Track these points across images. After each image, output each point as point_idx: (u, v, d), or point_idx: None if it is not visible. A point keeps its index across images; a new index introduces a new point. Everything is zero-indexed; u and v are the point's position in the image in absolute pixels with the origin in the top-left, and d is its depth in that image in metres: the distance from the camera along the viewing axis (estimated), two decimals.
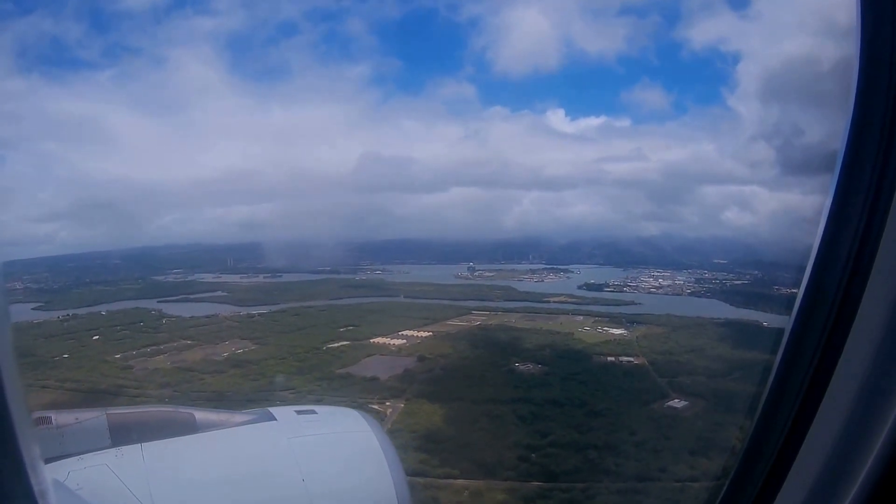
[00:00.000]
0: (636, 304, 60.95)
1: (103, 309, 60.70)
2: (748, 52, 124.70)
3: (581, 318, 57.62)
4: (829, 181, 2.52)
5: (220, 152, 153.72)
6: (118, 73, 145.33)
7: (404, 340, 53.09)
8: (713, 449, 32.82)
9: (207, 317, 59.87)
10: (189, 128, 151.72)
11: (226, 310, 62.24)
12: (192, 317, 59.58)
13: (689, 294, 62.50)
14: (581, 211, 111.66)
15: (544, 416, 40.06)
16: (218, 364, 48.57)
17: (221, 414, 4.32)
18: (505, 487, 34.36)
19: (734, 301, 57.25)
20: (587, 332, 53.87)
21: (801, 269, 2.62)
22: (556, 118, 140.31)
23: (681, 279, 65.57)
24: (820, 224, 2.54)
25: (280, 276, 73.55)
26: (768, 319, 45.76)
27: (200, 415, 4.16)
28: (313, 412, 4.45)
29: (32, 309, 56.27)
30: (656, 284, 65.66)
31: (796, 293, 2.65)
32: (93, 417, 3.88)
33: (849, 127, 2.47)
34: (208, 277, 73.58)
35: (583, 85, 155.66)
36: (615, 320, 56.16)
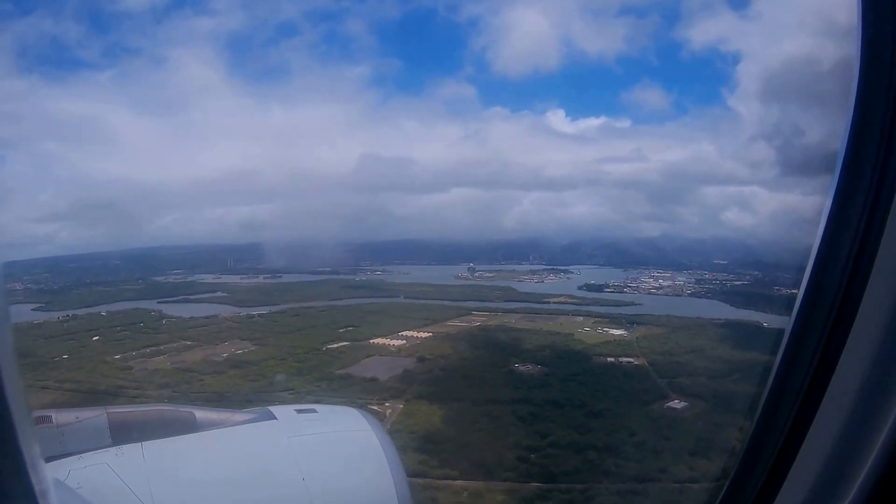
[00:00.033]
0: (636, 304, 60.92)
1: (103, 309, 60.67)
2: (748, 52, 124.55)
3: (581, 318, 57.58)
4: (830, 181, 2.53)
5: (220, 153, 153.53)
6: (118, 74, 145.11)
7: (404, 341, 53.05)
8: (713, 450, 32.80)
9: (207, 317, 59.78)
10: (189, 128, 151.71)
11: (226, 310, 62.18)
12: (191, 317, 59.51)
13: (690, 295, 62.44)
14: (581, 211, 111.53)
15: (544, 416, 40.04)
16: (217, 365, 48.56)
17: (222, 413, 4.33)
18: (504, 488, 34.32)
19: (734, 302, 57.23)
20: (587, 332, 53.83)
21: (802, 270, 2.63)
22: (557, 118, 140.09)
23: (681, 280, 65.54)
24: (820, 224, 2.55)
25: (280, 277, 73.50)
26: (768, 320, 45.77)
27: (201, 414, 4.17)
28: (314, 411, 4.46)
29: (32, 309, 56.25)
30: (656, 285, 65.62)
31: (796, 294, 2.65)
32: (93, 416, 3.89)
33: (849, 127, 2.47)
34: (208, 278, 73.53)
35: (583, 85, 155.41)
36: (615, 321, 56.11)
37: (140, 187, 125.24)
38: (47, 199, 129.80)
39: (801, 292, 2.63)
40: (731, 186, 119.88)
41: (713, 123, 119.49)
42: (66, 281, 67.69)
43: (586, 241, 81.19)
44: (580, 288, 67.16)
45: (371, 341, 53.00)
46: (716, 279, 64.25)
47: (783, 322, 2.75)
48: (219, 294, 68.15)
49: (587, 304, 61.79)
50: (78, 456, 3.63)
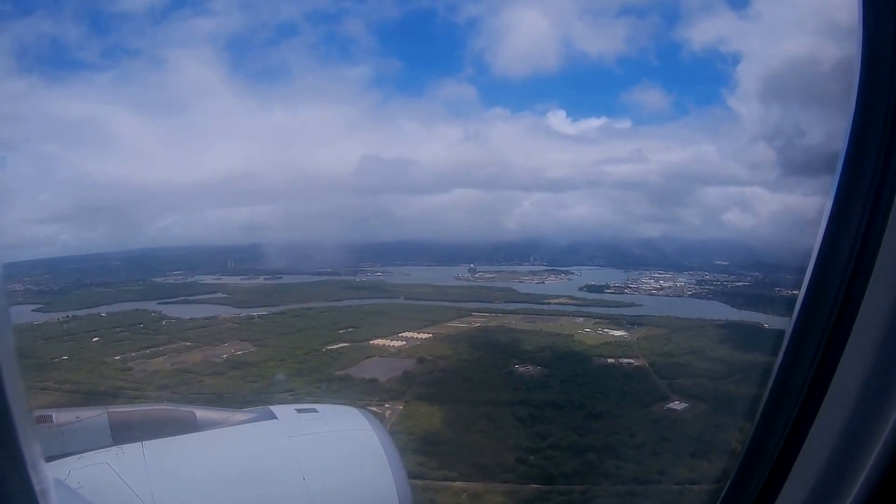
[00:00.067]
0: (637, 305, 60.98)
1: (103, 311, 60.80)
2: (748, 52, 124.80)
3: (581, 319, 57.65)
4: (830, 182, 2.51)
5: (220, 154, 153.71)
6: (118, 75, 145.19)
7: (404, 342, 53.10)
8: (713, 451, 32.80)
9: (207, 318, 59.82)
10: (189, 129, 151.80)
11: (226, 311, 62.27)
12: (191, 319, 59.54)
13: (690, 296, 62.52)
14: (582, 212, 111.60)
15: (543, 418, 40.07)
16: (217, 366, 48.67)
17: (222, 412, 4.31)
18: (503, 490, 34.38)
19: (735, 303, 57.31)
20: (587, 333, 53.88)
21: (803, 271, 2.61)
22: (557, 119, 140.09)
23: (682, 281, 65.58)
24: (821, 225, 2.54)
25: (280, 278, 73.60)
26: (769, 321, 45.79)
27: (201, 413, 4.16)
28: (314, 410, 4.44)
29: (33, 311, 56.34)
30: (657, 286, 65.66)
31: (797, 294, 2.64)
32: (94, 416, 3.89)
33: (850, 127, 2.46)
34: (208, 279, 73.68)
35: (583, 86, 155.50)
36: (616, 322, 56.15)
37: (140, 189, 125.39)
38: (48, 200, 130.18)
39: (801, 293, 2.63)
40: (731, 187, 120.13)
41: (714, 124, 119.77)
42: (67, 282, 67.86)
43: (587, 242, 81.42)
44: (581, 289, 67.26)
45: (371, 342, 53.06)
46: (716, 280, 64.36)
47: (784, 323, 2.74)
48: (219, 295, 68.25)
49: (588, 306, 61.92)
50: (78, 455, 3.61)
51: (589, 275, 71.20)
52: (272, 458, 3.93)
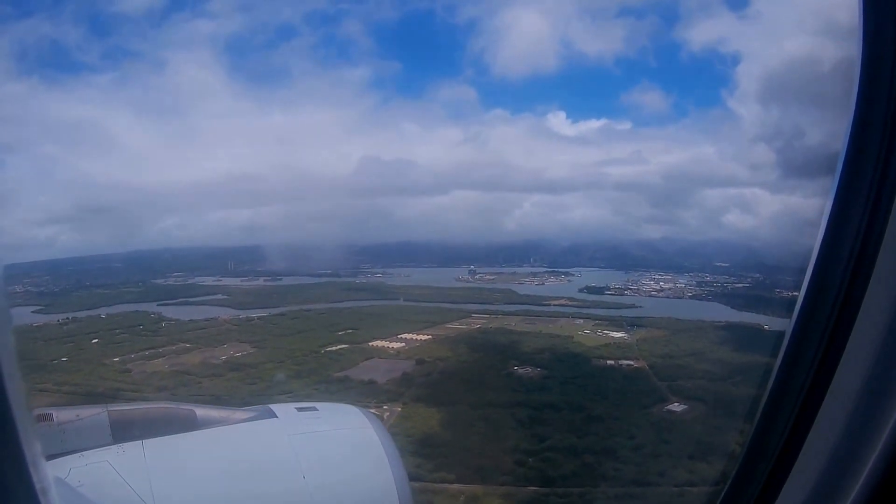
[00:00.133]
0: (637, 307, 60.88)
1: (103, 312, 60.70)
2: (748, 53, 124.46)
3: (581, 321, 57.54)
4: (831, 183, 2.52)
5: (220, 155, 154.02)
6: (119, 77, 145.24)
7: (403, 344, 53.05)
8: (712, 453, 32.73)
9: (207, 320, 59.76)
10: (190, 131, 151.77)
11: (225, 313, 62.20)
12: (191, 320, 59.43)
13: (691, 297, 62.44)
14: (582, 214, 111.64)
15: (542, 419, 40.04)
16: (216, 367, 48.65)
17: (222, 411, 4.31)
18: (501, 492, 34.33)
19: (735, 304, 57.21)
20: (587, 335, 53.83)
21: (803, 272, 2.62)
22: (557, 121, 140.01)
23: (682, 282, 65.52)
24: (821, 226, 2.54)
25: (280, 280, 73.51)
26: (770, 322, 45.79)
27: (201, 411, 4.16)
28: (314, 409, 4.48)
29: (32, 312, 56.25)
30: (657, 287, 65.61)
31: (797, 295, 2.65)
32: (94, 414, 3.88)
33: (850, 128, 2.47)
34: (208, 281, 73.61)
35: (583, 87, 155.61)
36: (615, 323, 56.10)
37: (140, 190, 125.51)
38: (48, 201, 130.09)
39: (801, 294, 2.64)
40: (731, 188, 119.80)
41: (713, 125, 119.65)
42: (67, 283, 67.79)
43: (587, 243, 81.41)
44: (581, 290, 67.21)
45: (370, 344, 53.04)
46: (717, 281, 64.29)
47: (784, 324, 2.74)
48: (219, 297, 68.18)
49: (587, 307, 61.78)
50: (79, 454, 3.61)
51: (589, 276, 71.12)
52: (272, 457, 3.94)
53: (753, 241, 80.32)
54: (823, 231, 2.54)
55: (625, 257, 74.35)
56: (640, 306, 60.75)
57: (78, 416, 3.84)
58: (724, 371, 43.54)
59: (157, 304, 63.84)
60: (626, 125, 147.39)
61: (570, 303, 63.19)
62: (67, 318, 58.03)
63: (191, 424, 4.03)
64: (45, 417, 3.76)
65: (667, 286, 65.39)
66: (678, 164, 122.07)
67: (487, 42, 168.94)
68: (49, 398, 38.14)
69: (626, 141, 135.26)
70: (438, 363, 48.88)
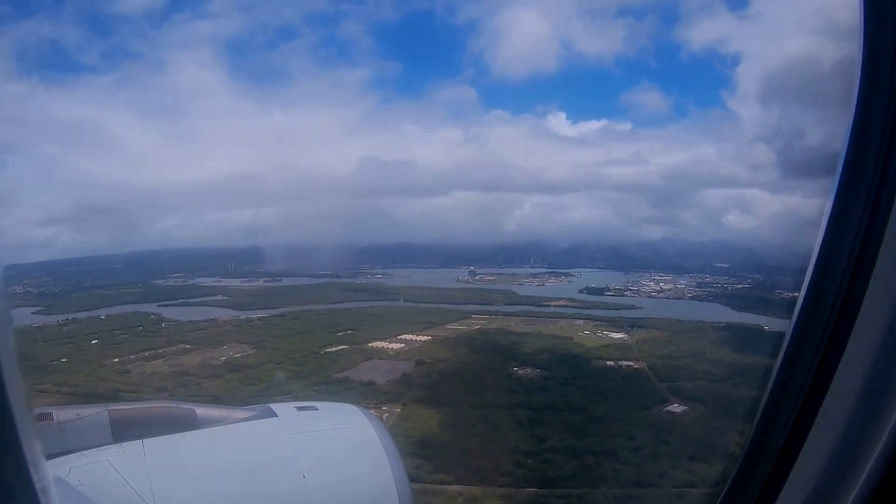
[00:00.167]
0: (637, 307, 60.90)
1: (103, 313, 60.70)
2: (748, 53, 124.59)
3: (581, 321, 57.50)
4: (831, 183, 2.52)
5: (220, 156, 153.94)
6: (119, 77, 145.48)
7: (403, 344, 53.03)
8: (712, 454, 32.73)
9: (206, 321, 59.74)
10: (190, 132, 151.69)
11: (225, 314, 62.17)
12: (190, 321, 59.41)
13: (691, 298, 62.41)
14: (582, 214, 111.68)
15: (542, 420, 39.99)
16: (216, 368, 48.61)
17: (222, 410, 4.33)
18: (500, 494, 34.29)
19: (735, 305, 57.16)
20: (587, 336, 53.82)
21: (803, 272, 2.62)
22: (557, 121, 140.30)
23: (682, 283, 65.49)
24: (821, 227, 2.54)
25: (280, 280, 73.49)
26: (770, 323, 45.76)
27: (201, 411, 4.18)
28: (314, 408, 4.48)
29: (32, 313, 56.21)
30: (658, 288, 65.59)
31: (798, 296, 2.65)
32: (94, 413, 3.90)
33: (850, 128, 2.46)
34: (208, 281, 73.62)
35: (583, 88, 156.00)
36: (615, 324, 56.09)
37: (140, 191, 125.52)
38: (48, 202, 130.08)
39: (801, 295, 2.63)
40: (732, 189, 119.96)
41: (714, 126, 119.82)
42: (67, 284, 67.73)
43: (587, 244, 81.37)
44: (581, 291, 67.21)
45: (370, 345, 53.01)
46: (717, 282, 64.28)
47: (785, 325, 2.74)
48: (219, 297, 68.15)
49: (587, 308, 61.75)
50: (79, 453, 3.63)
51: (589, 277, 71.12)
52: (272, 456, 3.95)
53: (753, 241, 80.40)
54: (823, 231, 2.53)
55: (625, 258, 74.39)
56: (640, 307, 60.77)
57: (78, 415, 3.86)
58: (724, 372, 43.51)
59: (157, 305, 63.85)
60: (626, 126, 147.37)
61: (570, 304, 63.16)
62: (67, 319, 57.99)
63: (191, 424, 4.03)
64: (46, 417, 3.78)
65: (667, 287, 65.37)
66: (678, 165, 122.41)
67: (487, 42, 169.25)
68: (48, 399, 38.11)
69: (626, 141, 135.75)
70: (438, 364, 48.86)
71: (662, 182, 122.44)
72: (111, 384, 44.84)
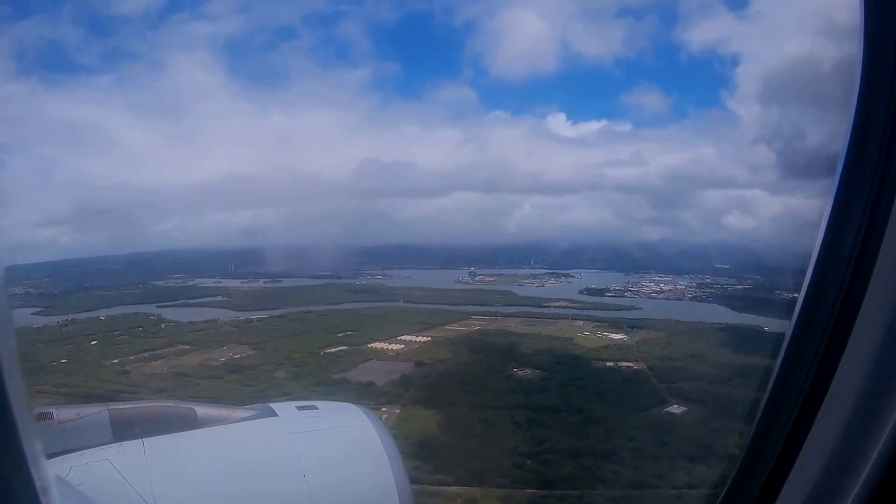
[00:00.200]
0: (637, 308, 61.04)
1: (102, 314, 60.83)
2: (748, 53, 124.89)
3: (581, 322, 57.60)
4: (831, 184, 2.50)
5: (220, 157, 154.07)
6: (118, 78, 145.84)
7: (402, 345, 53.08)
8: (711, 455, 32.67)
9: (206, 322, 59.82)
10: (189, 133, 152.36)
11: (225, 315, 62.28)
12: (190, 322, 59.51)
13: (691, 299, 62.52)
14: (582, 215, 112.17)
15: (541, 422, 39.98)
16: (215, 369, 48.64)
17: (222, 409, 4.30)
18: (499, 495, 34.29)
19: (735, 306, 57.20)
20: (587, 336, 53.87)
21: (803, 273, 2.60)
22: (557, 122, 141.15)
23: (682, 284, 65.56)
24: (821, 227, 2.52)
25: (280, 281, 73.61)
26: (770, 324, 45.68)
27: (201, 410, 4.15)
28: (314, 407, 4.46)
29: (32, 314, 56.31)
30: (657, 289, 65.67)
31: (798, 297, 2.64)
32: (94, 413, 3.87)
33: (850, 129, 2.44)
34: (208, 282, 73.75)
35: (583, 88, 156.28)
36: (615, 325, 56.15)
37: (140, 192, 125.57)
38: (48, 203, 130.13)
39: (801, 295, 2.62)
40: (732, 190, 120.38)
41: (714, 126, 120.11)
42: (67, 285, 67.89)
43: (587, 245, 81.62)
44: (581, 292, 67.33)
45: (369, 345, 53.10)
46: (717, 283, 64.33)
47: (785, 326, 2.72)
48: (218, 298, 68.26)
49: (587, 309, 61.84)
50: (79, 452, 3.60)
51: (589, 278, 71.26)
52: (273, 455, 3.92)
53: (753, 242, 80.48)
54: (823, 232, 2.52)
55: (625, 259, 74.53)
56: (640, 308, 60.89)
57: (78, 414, 3.83)
58: (723, 373, 43.46)
59: (157, 306, 63.94)
60: (626, 126, 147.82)
61: (569, 304, 63.25)
62: (67, 320, 58.06)
63: (191, 423, 4.01)
64: (46, 416, 3.75)
65: (667, 288, 65.43)
66: (678, 166, 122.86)
67: (487, 43, 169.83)
68: (47, 400, 38.02)
69: (626, 142, 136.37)
70: (437, 365, 48.89)
71: (662, 183, 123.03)
72: (110, 385, 44.82)
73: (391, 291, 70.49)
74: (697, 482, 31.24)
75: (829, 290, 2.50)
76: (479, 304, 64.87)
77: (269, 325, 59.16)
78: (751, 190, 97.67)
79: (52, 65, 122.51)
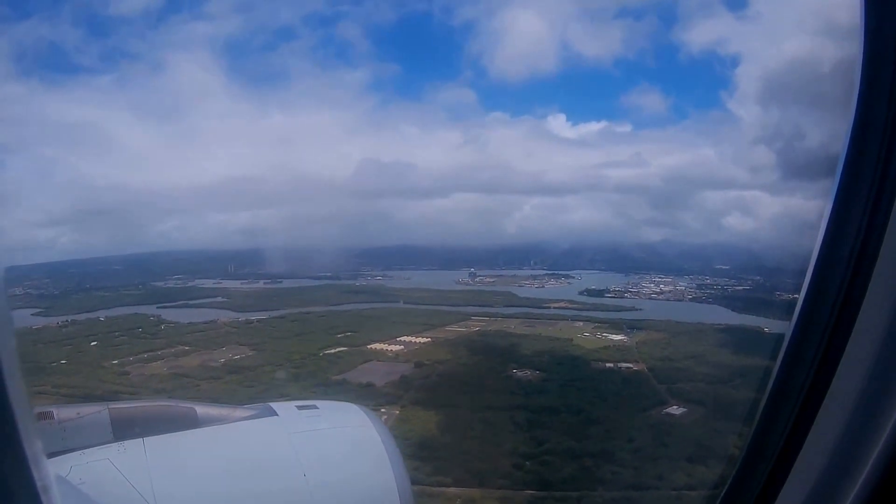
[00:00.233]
0: (637, 309, 60.94)
1: (102, 315, 60.79)
2: (748, 54, 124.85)
3: (581, 323, 57.55)
4: (831, 185, 2.50)
5: (220, 158, 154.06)
6: (118, 78, 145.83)
7: (402, 346, 53.02)
8: (711, 456, 32.65)
9: (206, 323, 59.74)
10: (189, 133, 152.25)
11: (225, 316, 62.25)
12: (190, 323, 59.46)
13: (691, 300, 62.46)
14: (582, 216, 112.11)
15: (540, 423, 39.93)
16: (214, 370, 48.57)
17: (223, 409, 4.31)
18: (498, 496, 34.26)
19: (736, 307, 57.13)
20: (586, 337, 53.82)
21: (803, 274, 2.61)
22: (557, 123, 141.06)
23: (682, 285, 65.50)
24: (821, 228, 2.53)
25: (280, 282, 73.55)
26: (770, 325, 45.64)
27: (202, 409, 4.16)
28: (314, 407, 4.47)
29: (32, 315, 56.27)
30: (657, 290, 65.63)
31: (798, 297, 2.64)
32: (95, 412, 3.89)
33: (850, 130, 2.44)
34: (208, 283, 73.64)
35: (583, 89, 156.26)
36: (615, 326, 56.11)
37: (140, 192, 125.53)
38: (48, 203, 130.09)
39: (801, 296, 2.62)
40: (732, 191, 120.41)
41: (714, 127, 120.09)
42: (67, 286, 67.83)
43: (587, 246, 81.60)
44: (581, 293, 67.28)
45: (369, 346, 53.04)
46: (717, 284, 64.24)
47: (785, 327, 2.73)
48: (218, 299, 68.22)
49: (587, 310, 61.77)
50: (80, 452, 3.63)
51: (589, 279, 71.24)
52: (273, 454, 3.94)
53: (754, 243, 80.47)
54: (823, 233, 2.52)
55: (625, 260, 74.51)
56: (640, 309, 60.80)
57: (79, 413, 3.85)
58: (723, 374, 43.43)
59: (157, 307, 63.88)
60: (626, 127, 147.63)
61: (569, 305, 63.20)
62: (67, 321, 58.04)
63: (191, 422, 4.03)
64: (47, 415, 3.77)
65: (667, 289, 65.40)
66: (678, 167, 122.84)
67: (486, 44, 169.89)
68: (46, 400, 37.97)
69: (626, 143, 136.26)
70: (437, 366, 48.84)
71: (662, 184, 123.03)
72: (110, 386, 44.76)
73: (391, 292, 70.44)
74: (697, 483, 31.21)
75: (830, 291, 2.50)
76: (479, 305, 64.81)
77: (268, 326, 59.10)
78: (751, 191, 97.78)
79: (52, 65, 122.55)
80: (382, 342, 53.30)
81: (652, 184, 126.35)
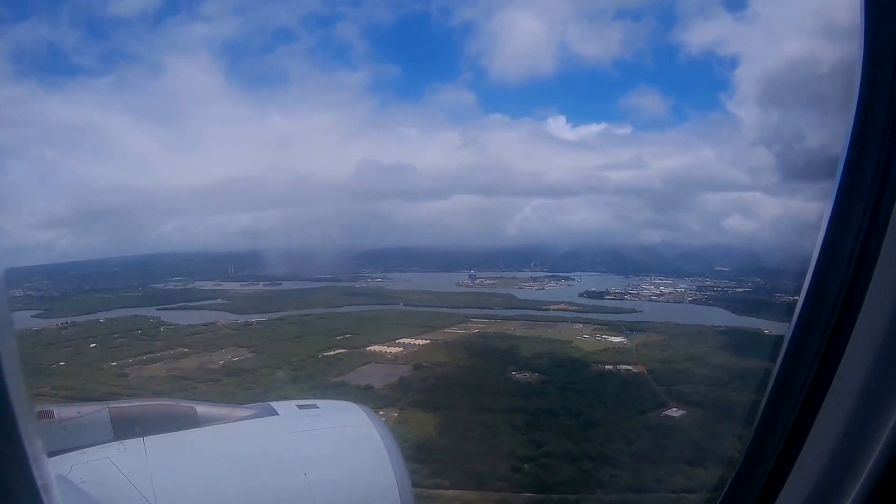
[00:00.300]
0: (637, 311, 60.86)
1: (102, 317, 60.71)
2: (747, 55, 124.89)
3: (580, 325, 57.47)
4: (831, 186, 2.51)
5: (220, 159, 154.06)
6: (117, 80, 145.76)
7: (401, 348, 52.95)
8: (710, 458, 32.61)
9: (205, 325, 59.74)
10: (189, 135, 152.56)
11: (224, 317, 62.20)
12: (189, 325, 59.40)
13: (691, 302, 62.40)
14: (582, 218, 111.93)
15: (539, 425, 39.89)
16: (213, 372, 48.46)
17: (223, 408, 4.33)
18: (497, 498, 34.21)
19: (736, 308, 57.08)
20: (586, 339, 53.73)
21: (803, 275, 2.61)
22: (557, 125, 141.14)
23: (682, 287, 65.44)
24: (821, 229, 2.53)
25: (280, 284, 73.53)
26: (770, 327, 45.45)
27: (202, 409, 4.17)
28: (315, 406, 4.50)
29: (31, 316, 56.23)
30: (657, 292, 65.60)
31: (797, 299, 2.65)
32: (95, 411, 3.89)
33: (850, 131, 2.45)
34: (208, 285, 73.63)
35: (582, 91, 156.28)
36: (615, 328, 56.01)
37: (140, 194, 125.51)
38: (47, 205, 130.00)
39: (801, 297, 2.63)
40: (731, 192, 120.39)
41: (713, 129, 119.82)
42: (66, 288, 67.78)
43: (587, 248, 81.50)
44: (581, 295, 67.23)
45: (368, 349, 52.93)
46: (717, 286, 64.18)
47: (785, 329, 2.73)
48: (218, 301, 68.18)
49: (587, 312, 61.70)
50: (80, 451, 3.63)
51: (589, 281, 71.22)
52: (273, 454, 3.95)
53: (754, 245, 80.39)
54: (823, 234, 2.53)
55: (625, 262, 74.50)
56: (640, 311, 60.73)
57: (79, 412, 3.85)
58: (723, 376, 43.39)
59: (157, 309, 63.84)
60: (625, 129, 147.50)
61: (569, 307, 63.15)
62: (66, 323, 58.07)
63: (192, 422, 4.04)
64: (47, 414, 3.77)
65: (667, 291, 65.35)
66: (678, 168, 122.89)
67: (485, 46, 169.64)
68: (46, 402, 37.96)
69: (625, 145, 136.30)
70: (436, 368, 48.77)
71: (662, 185, 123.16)
72: (109, 388, 44.64)
73: (391, 294, 70.42)
74: (696, 486, 31.18)
75: (830, 293, 2.51)
76: (479, 307, 64.72)
77: (268, 328, 59.00)
78: (751, 192, 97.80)
79: (51, 67, 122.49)
80: (382, 344, 53.21)
81: (652, 185, 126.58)
